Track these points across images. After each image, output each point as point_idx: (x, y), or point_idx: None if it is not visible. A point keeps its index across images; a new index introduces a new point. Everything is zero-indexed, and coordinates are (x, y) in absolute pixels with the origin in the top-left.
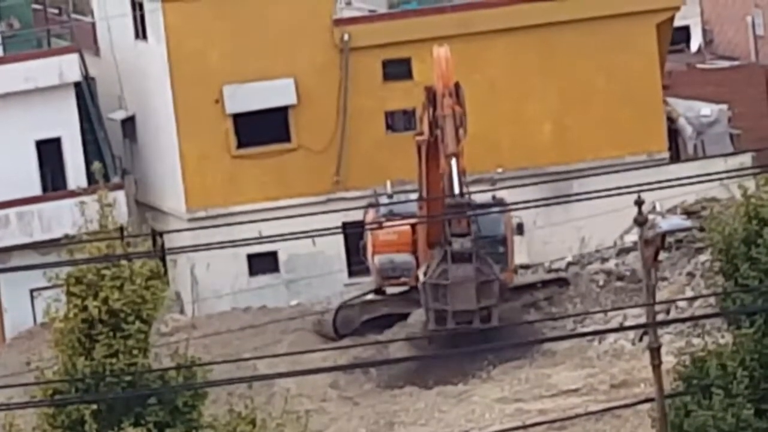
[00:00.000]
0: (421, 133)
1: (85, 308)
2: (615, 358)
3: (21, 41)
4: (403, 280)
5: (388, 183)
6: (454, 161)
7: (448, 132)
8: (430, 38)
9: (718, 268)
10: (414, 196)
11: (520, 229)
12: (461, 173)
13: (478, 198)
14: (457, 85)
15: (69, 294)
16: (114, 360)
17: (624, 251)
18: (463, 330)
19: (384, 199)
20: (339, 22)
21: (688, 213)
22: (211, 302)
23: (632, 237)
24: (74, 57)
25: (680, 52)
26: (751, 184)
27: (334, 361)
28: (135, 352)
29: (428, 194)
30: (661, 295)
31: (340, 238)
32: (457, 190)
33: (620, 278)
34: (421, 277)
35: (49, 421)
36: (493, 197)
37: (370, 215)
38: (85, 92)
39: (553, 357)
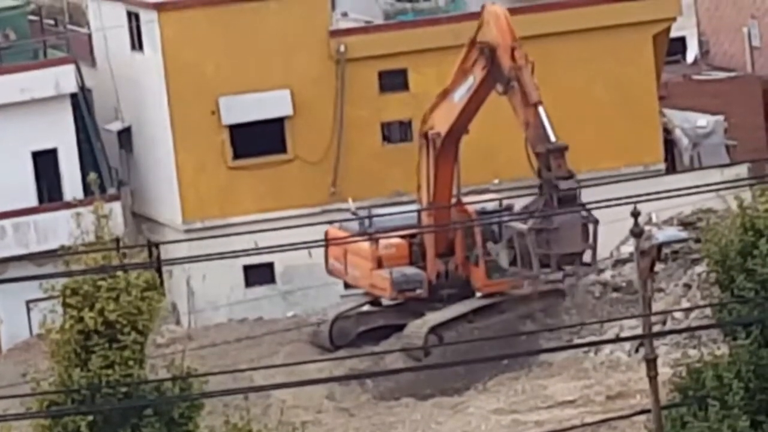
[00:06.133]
0: (432, 128)
1: (81, 319)
2: (611, 369)
3: (17, 52)
4: (418, 292)
5: (350, 200)
6: (541, 108)
7: (528, 82)
8: (426, 49)
9: (714, 280)
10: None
11: None
12: (549, 120)
13: (487, 206)
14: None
15: (65, 305)
16: (110, 371)
17: (620, 262)
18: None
19: (349, 216)
20: (335, 33)
21: (684, 224)
22: (208, 313)
23: (628, 248)
24: (70, 68)
25: (676, 63)
26: (747, 195)
27: (330, 373)
28: (131, 363)
29: (436, 192)
30: (657, 306)
31: None
32: (552, 135)
33: (616, 289)
34: (522, 226)
35: None
36: (500, 204)
37: (333, 232)
38: (81, 103)
39: (549, 368)
